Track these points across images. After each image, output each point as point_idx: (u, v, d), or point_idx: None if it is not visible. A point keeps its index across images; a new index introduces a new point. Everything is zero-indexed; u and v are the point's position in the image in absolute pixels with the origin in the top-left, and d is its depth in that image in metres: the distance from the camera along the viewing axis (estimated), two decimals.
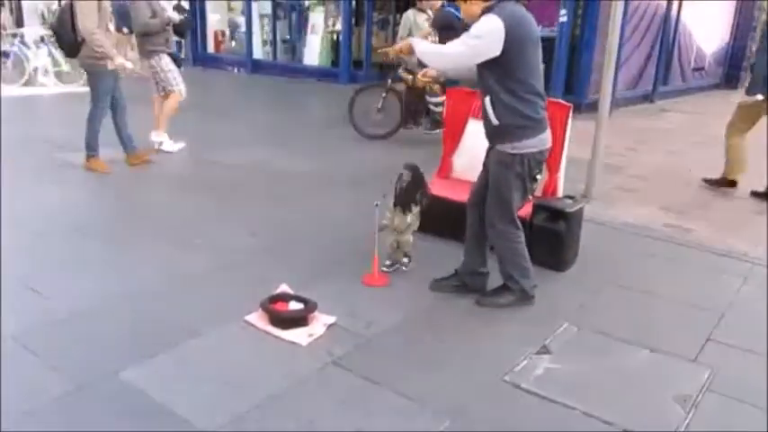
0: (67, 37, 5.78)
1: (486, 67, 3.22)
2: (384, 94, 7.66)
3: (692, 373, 3.00)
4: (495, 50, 3.12)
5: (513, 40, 3.11)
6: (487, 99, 3.29)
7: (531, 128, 3.27)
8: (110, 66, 5.81)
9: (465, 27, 3.28)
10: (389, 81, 7.67)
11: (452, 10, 7.14)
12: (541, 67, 3.32)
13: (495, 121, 3.28)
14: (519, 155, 3.30)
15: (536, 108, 3.27)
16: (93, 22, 5.60)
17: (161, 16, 6.58)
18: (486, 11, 3.19)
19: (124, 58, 5.98)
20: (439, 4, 7.69)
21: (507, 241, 3.48)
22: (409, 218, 3.86)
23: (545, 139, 3.37)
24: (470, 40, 3.19)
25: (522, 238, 3.52)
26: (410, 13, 7.94)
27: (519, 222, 3.50)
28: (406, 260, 3.96)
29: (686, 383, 2.90)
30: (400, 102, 7.67)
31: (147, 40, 6.56)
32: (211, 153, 6.84)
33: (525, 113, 3.24)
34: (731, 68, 14.86)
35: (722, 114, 9.67)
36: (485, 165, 3.53)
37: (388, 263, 3.96)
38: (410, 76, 3.64)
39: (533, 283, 3.58)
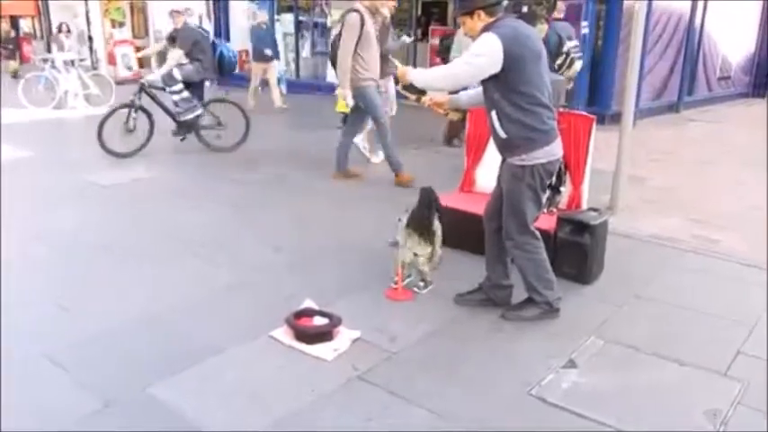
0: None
1: (490, 82, 3.28)
2: (128, 112, 7.54)
3: (723, 386, 2.94)
4: (495, 68, 3.18)
5: (512, 56, 3.16)
6: (493, 113, 3.33)
7: (538, 139, 3.29)
8: (337, 92, 6.24)
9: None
10: (136, 99, 7.53)
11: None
12: (547, 78, 3.35)
13: (502, 135, 3.33)
14: (529, 166, 3.32)
15: (542, 119, 3.29)
16: (349, 46, 5.96)
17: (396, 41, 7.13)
18: (485, 28, 3.25)
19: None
20: (182, 20, 8.05)
21: (526, 252, 3.47)
22: (423, 243, 3.81)
23: (554, 149, 3.37)
24: (470, 58, 3.26)
25: (542, 249, 3.51)
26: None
27: (537, 233, 3.50)
28: (421, 284, 3.91)
29: (716, 397, 2.85)
30: (149, 117, 7.60)
31: (385, 62, 6.73)
32: (234, 170, 6.92)
33: (531, 125, 3.27)
34: (758, 77, 14.66)
35: (749, 124, 9.59)
36: (499, 178, 3.56)
37: (395, 279, 3.84)
38: (413, 96, 3.66)
39: (558, 295, 3.56)
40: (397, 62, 3.68)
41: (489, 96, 3.34)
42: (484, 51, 3.19)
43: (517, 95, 3.24)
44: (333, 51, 6.37)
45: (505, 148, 3.39)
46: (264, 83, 11.71)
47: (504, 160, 3.48)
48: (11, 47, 18.04)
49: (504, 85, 3.23)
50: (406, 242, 3.82)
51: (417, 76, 3.49)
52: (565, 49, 7.11)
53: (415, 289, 3.88)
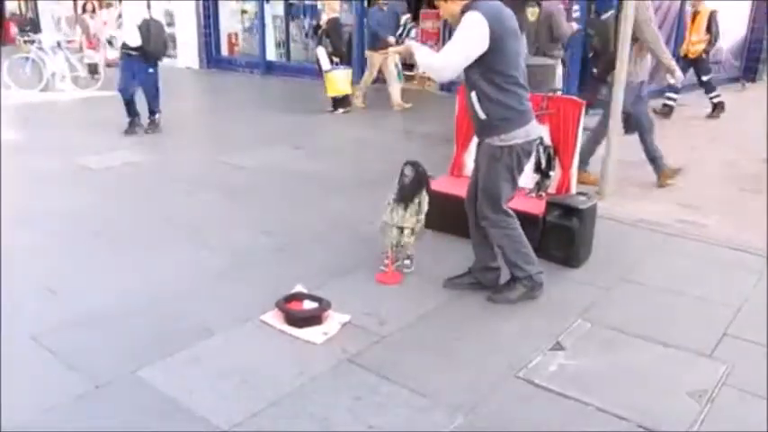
0: (607, 54, 5.67)
1: (471, 63, 3.25)
2: None
3: (708, 368, 2.98)
4: (483, 48, 3.17)
5: (496, 35, 3.16)
6: (473, 94, 3.32)
7: (516, 119, 3.31)
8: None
9: None
10: None
11: None
12: (523, 59, 3.36)
13: (482, 116, 3.33)
14: (507, 146, 3.33)
15: (520, 99, 3.31)
16: (655, 29, 5.51)
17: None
18: (465, 9, 3.23)
19: None
20: None
21: (502, 229, 3.50)
22: (408, 214, 3.80)
23: (531, 130, 3.39)
24: (460, 43, 3.23)
25: (517, 225, 3.54)
26: None
27: (510, 211, 3.52)
28: (408, 262, 3.91)
29: (702, 379, 2.89)
30: None
31: (554, 47, 7.25)
32: (225, 154, 6.90)
33: (510, 105, 3.28)
34: (749, 62, 14.68)
35: (739, 108, 9.60)
36: (476, 161, 3.57)
37: (386, 262, 3.88)
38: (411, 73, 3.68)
39: (539, 269, 3.59)
40: (392, 38, 3.62)
41: (469, 77, 3.33)
42: (472, 33, 3.17)
43: (497, 75, 3.24)
44: (603, 46, 5.88)
45: (484, 128, 3.39)
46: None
47: (480, 142, 3.49)
48: (28, 28, 17.60)
49: (485, 64, 3.23)
50: (392, 218, 3.82)
51: (423, 57, 3.39)
52: (402, 20, 9.39)
53: (404, 270, 3.88)
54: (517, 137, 3.32)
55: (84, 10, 13.96)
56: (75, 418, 2.55)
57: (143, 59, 7.53)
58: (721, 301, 3.66)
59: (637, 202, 5.45)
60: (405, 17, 9.75)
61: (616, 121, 5.51)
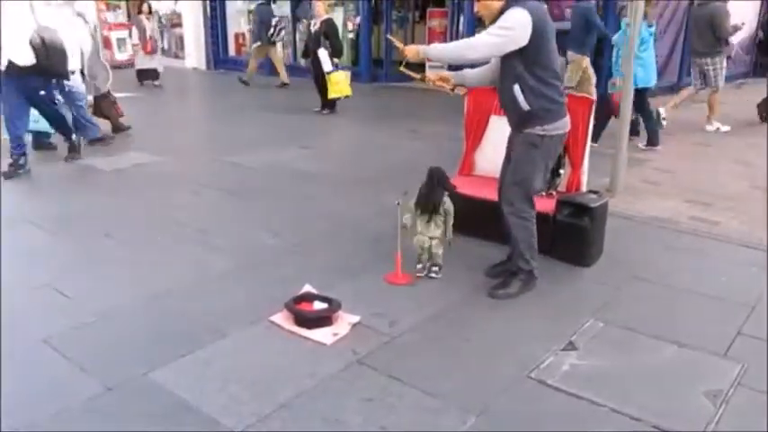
0: None
1: (514, 56, 3.35)
2: None
3: (723, 368, 2.95)
4: (522, 42, 3.27)
5: (540, 29, 3.27)
6: (516, 87, 3.39)
7: (558, 111, 3.44)
8: None
9: None
10: None
11: None
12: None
13: (525, 108, 3.39)
14: (548, 136, 3.45)
15: (559, 91, 3.46)
16: None
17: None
18: (510, 4, 3.32)
19: None
20: None
21: (524, 220, 3.56)
22: (434, 225, 3.77)
23: (567, 122, 3.53)
24: (500, 31, 3.31)
25: (535, 218, 3.61)
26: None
27: (534, 203, 3.59)
28: (436, 269, 3.85)
29: (716, 379, 2.85)
30: None
31: (716, 46, 8.07)
32: (232, 155, 6.90)
33: (552, 97, 3.41)
34: (760, 56, 14.57)
35: (749, 103, 9.51)
36: (508, 152, 3.65)
37: (419, 266, 3.86)
38: (418, 75, 3.61)
39: (537, 265, 3.67)
40: (395, 41, 3.61)
41: (511, 71, 3.40)
42: (515, 25, 3.26)
43: (541, 69, 3.36)
44: None
45: (526, 120, 3.45)
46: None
47: (516, 133, 3.55)
48: None
49: (530, 58, 3.33)
50: (417, 226, 3.80)
51: (434, 50, 3.53)
52: (273, 22, 10.84)
53: (432, 275, 3.83)
54: (557, 128, 3.46)
55: (139, 11, 12.75)
56: (86, 419, 2.54)
57: (34, 79, 5.91)
58: (735, 299, 3.62)
59: (648, 199, 5.41)
60: (275, 19, 9.90)
61: (625, 117, 5.47)
